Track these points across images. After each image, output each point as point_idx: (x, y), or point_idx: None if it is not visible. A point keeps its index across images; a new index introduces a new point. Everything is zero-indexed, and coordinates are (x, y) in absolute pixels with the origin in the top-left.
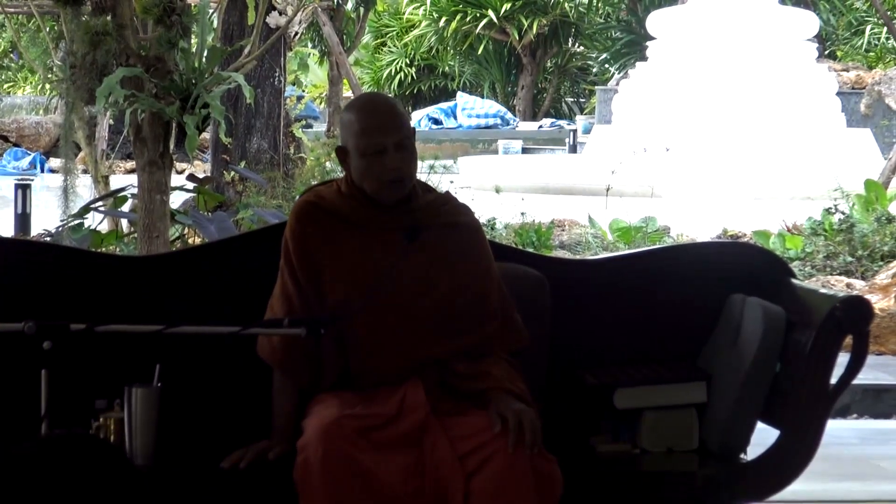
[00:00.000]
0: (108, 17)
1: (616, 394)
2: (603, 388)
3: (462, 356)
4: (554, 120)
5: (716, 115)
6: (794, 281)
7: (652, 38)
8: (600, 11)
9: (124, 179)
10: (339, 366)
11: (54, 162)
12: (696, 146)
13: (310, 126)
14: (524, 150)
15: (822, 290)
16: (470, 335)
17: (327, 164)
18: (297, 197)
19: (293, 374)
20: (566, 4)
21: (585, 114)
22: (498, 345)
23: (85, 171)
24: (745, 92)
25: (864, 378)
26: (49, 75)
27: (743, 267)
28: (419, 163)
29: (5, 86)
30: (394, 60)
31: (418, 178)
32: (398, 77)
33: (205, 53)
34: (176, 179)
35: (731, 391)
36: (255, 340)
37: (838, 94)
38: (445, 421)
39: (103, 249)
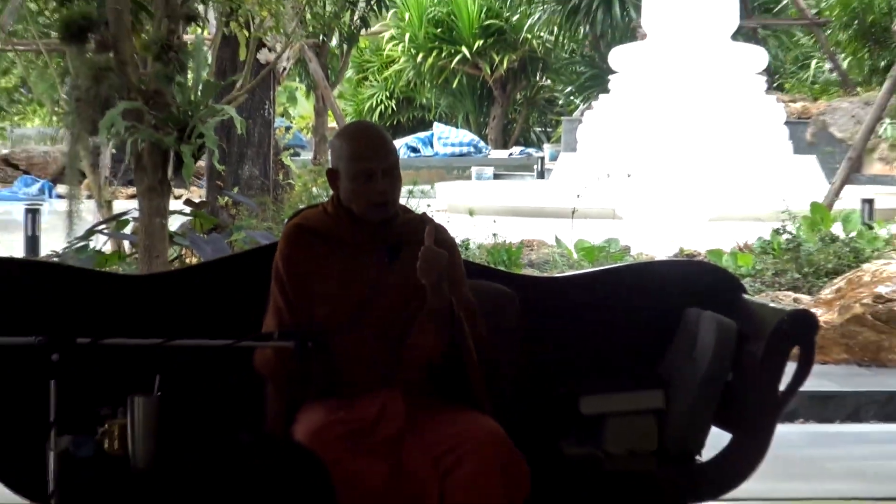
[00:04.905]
0: (111, 54)
1: (582, 401)
2: (570, 396)
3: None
4: (523, 148)
5: (673, 143)
6: (745, 296)
7: (614, 72)
8: (566, 47)
9: (126, 204)
10: (326, 375)
11: (61, 188)
12: (654, 172)
13: (297, 154)
14: (496, 176)
15: (772, 305)
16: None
17: (314, 189)
18: (286, 220)
19: (283, 384)
20: (534, 41)
21: (552, 142)
22: None
23: (89, 197)
24: (699, 121)
25: (810, 385)
26: (56, 108)
27: (698, 284)
28: None
29: (16, 118)
30: (375, 93)
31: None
32: (379, 109)
33: (200, 87)
34: (174, 204)
35: (688, 398)
36: (248, 352)
37: (786, 123)
38: (422, 424)
39: (107, 269)
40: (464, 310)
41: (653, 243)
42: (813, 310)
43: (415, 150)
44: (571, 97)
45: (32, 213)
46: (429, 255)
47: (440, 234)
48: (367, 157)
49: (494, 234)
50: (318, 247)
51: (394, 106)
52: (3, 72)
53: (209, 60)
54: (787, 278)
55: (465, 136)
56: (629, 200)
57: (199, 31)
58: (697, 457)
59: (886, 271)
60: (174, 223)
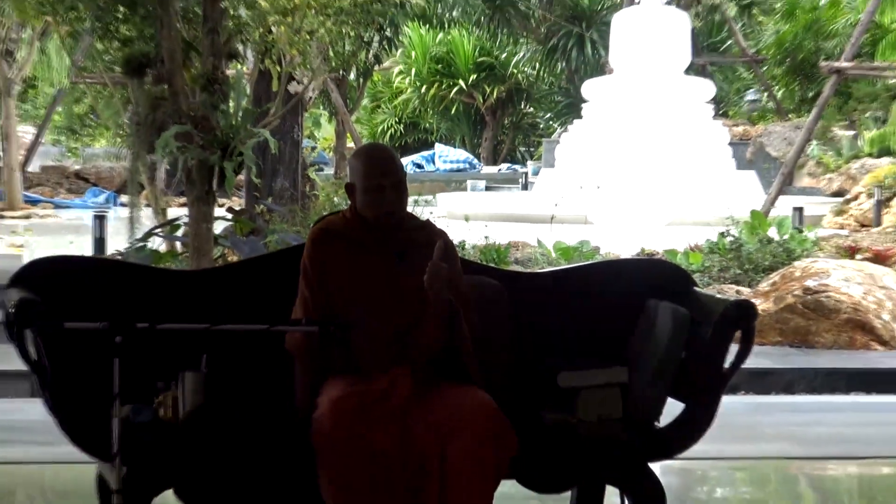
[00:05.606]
0: (165, 86)
1: (560, 376)
2: (550, 372)
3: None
4: (510, 164)
5: (635, 160)
6: (696, 289)
7: (586, 101)
8: (546, 80)
9: (178, 211)
10: (345, 355)
11: (124, 198)
12: (620, 184)
13: (321, 170)
14: (487, 188)
15: (718, 296)
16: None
17: (335, 199)
18: (312, 225)
19: (309, 362)
20: (519, 75)
21: (535, 160)
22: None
23: (147, 206)
24: (657, 142)
25: (750, 363)
26: (119, 131)
27: (657, 278)
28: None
29: (86, 139)
30: (386, 119)
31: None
32: (389, 132)
33: (240, 114)
34: (218, 211)
35: (648, 374)
36: (281, 335)
37: (729, 144)
38: (426, 398)
39: (162, 266)
40: (460, 302)
41: (619, 244)
42: (752, 300)
43: (419, 166)
44: (550, 122)
45: (100, 219)
46: (434, 269)
47: (440, 236)
48: (377, 174)
49: (486, 237)
50: (338, 248)
51: (402, 129)
52: (75, 100)
53: (247, 91)
54: (730, 274)
55: (462, 154)
56: (599, 208)
57: (239, 66)
58: (656, 423)
59: (814, 268)
60: (218, 227)
